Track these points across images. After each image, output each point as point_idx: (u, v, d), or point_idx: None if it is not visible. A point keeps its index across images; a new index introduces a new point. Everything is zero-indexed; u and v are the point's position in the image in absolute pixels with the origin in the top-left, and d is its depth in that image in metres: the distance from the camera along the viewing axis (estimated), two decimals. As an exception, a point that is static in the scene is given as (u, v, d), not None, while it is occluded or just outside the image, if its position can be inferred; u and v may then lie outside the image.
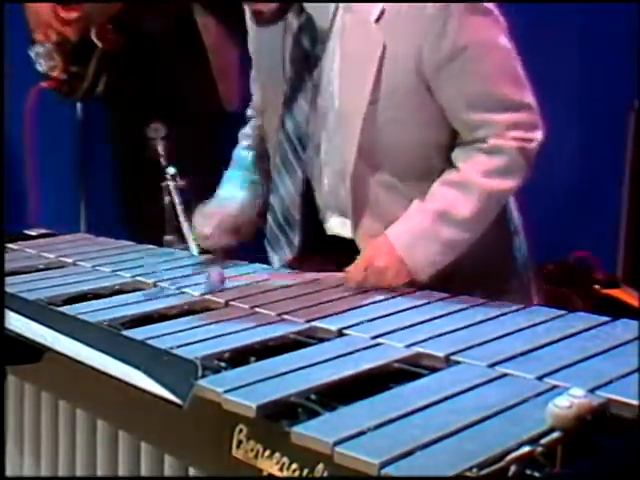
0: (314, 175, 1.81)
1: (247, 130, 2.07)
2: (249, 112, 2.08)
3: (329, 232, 1.85)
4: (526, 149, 1.68)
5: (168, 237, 2.38)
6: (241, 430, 1.14)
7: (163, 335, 1.43)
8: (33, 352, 1.56)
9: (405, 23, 1.63)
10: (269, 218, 1.85)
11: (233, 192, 1.98)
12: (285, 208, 1.82)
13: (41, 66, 2.91)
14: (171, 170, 2.40)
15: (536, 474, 0.95)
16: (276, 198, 1.83)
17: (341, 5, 1.70)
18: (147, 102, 2.84)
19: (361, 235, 1.76)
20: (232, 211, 1.95)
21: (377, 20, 1.65)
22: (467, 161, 1.70)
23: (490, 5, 1.66)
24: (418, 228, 1.69)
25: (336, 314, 1.50)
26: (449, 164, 1.73)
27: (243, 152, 2.04)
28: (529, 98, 1.69)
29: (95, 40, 2.83)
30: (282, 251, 1.83)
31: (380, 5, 1.65)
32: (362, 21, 1.67)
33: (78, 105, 3.18)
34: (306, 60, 1.76)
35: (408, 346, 1.33)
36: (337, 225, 1.83)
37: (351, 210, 1.76)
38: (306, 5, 1.73)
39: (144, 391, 1.31)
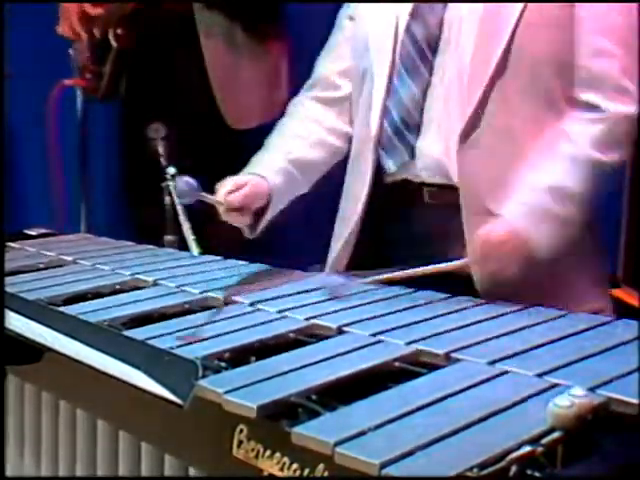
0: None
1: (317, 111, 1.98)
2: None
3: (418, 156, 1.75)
4: (630, 119, 1.64)
5: (168, 237, 2.38)
6: (241, 430, 1.14)
7: (163, 335, 1.43)
8: (33, 352, 1.56)
9: None
10: (384, 123, 1.77)
11: (278, 160, 1.91)
12: (405, 111, 1.74)
13: (77, 64, 2.92)
14: (171, 170, 2.41)
15: (537, 474, 0.95)
16: (394, 102, 1.76)
17: None
18: (148, 102, 2.84)
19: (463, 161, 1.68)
20: (264, 190, 1.87)
21: None
22: (576, 132, 1.65)
23: None
24: (533, 204, 1.61)
25: (336, 312, 1.51)
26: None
27: (311, 104, 1.98)
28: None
29: (111, 40, 2.83)
30: (398, 156, 1.76)
31: None
32: None
33: (78, 105, 3.18)
34: None
35: (408, 343, 1.33)
36: (433, 145, 1.73)
37: (467, 118, 1.67)
38: None
39: (144, 391, 1.31)
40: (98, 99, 3.02)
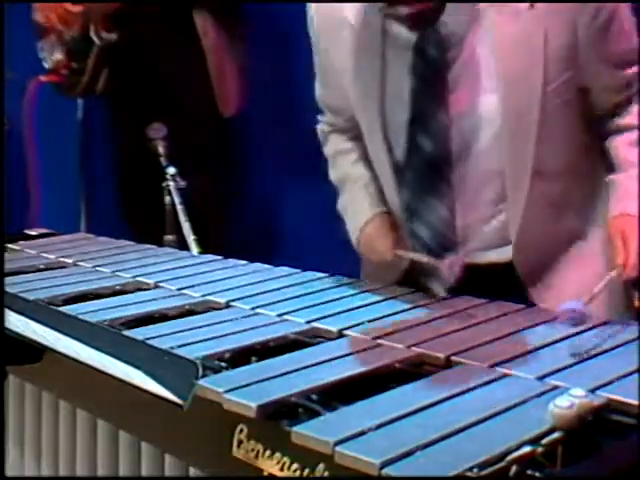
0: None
1: (343, 144, 1.85)
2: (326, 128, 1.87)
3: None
4: None
5: (168, 237, 2.38)
6: (242, 430, 1.14)
7: (164, 335, 1.43)
8: (33, 352, 1.56)
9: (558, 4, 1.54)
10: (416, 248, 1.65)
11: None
12: (438, 234, 1.63)
13: (47, 61, 2.92)
14: (171, 170, 2.41)
15: (537, 474, 0.95)
16: (422, 226, 1.63)
17: (482, 4, 1.55)
18: (148, 102, 2.84)
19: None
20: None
21: (530, 7, 1.53)
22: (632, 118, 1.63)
23: None
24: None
25: (336, 314, 1.51)
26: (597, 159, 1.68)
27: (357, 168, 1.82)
28: None
29: (93, 37, 2.84)
30: (442, 279, 1.62)
31: None
32: (514, 11, 1.54)
33: (79, 105, 3.19)
34: (435, 69, 1.60)
35: (409, 347, 1.33)
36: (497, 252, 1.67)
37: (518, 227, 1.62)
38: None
39: (144, 391, 1.31)
40: (74, 95, 3.03)
